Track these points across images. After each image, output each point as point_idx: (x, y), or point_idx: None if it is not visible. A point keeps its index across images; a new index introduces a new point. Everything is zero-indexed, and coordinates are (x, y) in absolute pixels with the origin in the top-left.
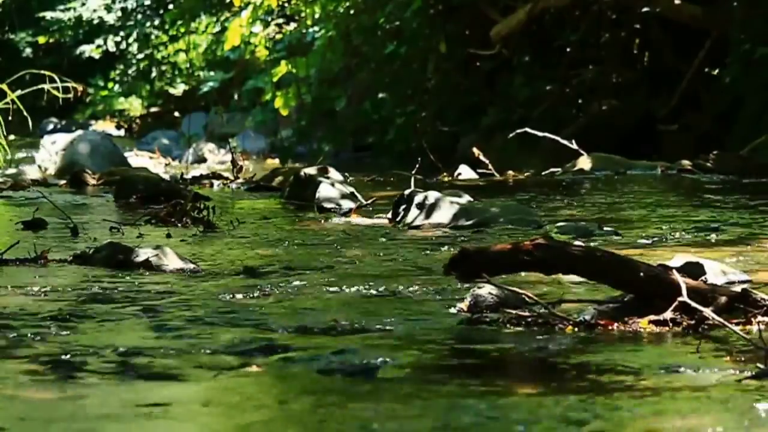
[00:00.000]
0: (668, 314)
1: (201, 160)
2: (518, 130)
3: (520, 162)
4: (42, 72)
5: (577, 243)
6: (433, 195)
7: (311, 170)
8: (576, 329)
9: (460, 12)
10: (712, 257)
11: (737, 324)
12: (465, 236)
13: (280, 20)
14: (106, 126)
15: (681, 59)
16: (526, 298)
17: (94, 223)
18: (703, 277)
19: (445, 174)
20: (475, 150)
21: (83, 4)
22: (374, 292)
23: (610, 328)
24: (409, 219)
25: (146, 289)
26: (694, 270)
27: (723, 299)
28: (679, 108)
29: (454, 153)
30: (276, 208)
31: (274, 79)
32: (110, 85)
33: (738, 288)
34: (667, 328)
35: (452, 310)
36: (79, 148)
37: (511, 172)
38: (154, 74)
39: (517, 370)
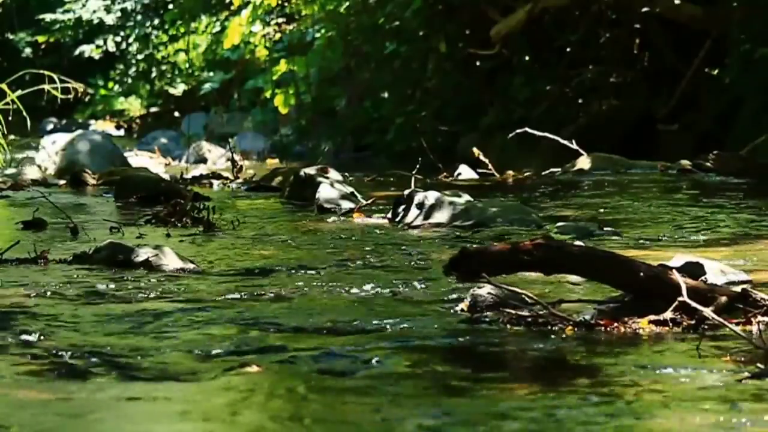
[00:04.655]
0: (668, 314)
1: (201, 160)
2: (518, 130)
3: (520, 162)
4: (42, 72)
5: (577, 243)
6: (433, 195)
7: (311, 170)
8: (576, 329)
9: (460, 12)
10: (712, 257)
11: (737, 324)
12: (465, 236)
13: (280, 20)
14: (106, 126)
15: (681, 59)
16: (526, 298)
17: (94, 223)
18: (703, 277)
19: (445, 174)
20: (475, 150)
21: (83, 6)
22: (374, 292)
23: (610, 328)
24: (409, 219)
25: (146, 289)
26: (694, 270)
27: (723, 299)
28: (679, 108)
29: (454, 153)
30: (276, 208)
31: (274, 78)
32: (110, 85)
33: (738, 288)
34: (667, 328)
35: (452, 310)
36: (79, 148)
37: (511, 172)
38: (154, 74)
39: (516, 370)
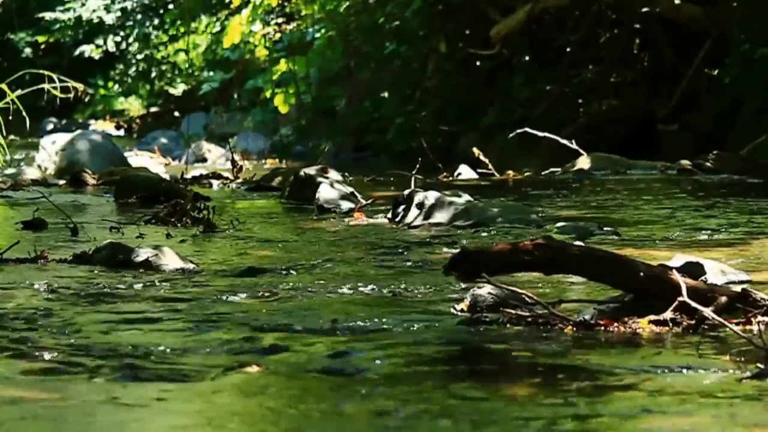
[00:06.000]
0: (668, 314)
1: (201, 160)
2: (518, 130)
3: (520, 162)
4: (42, 72)
5: (577, 243)
6: (432, 195)
7: (311, 170)
8: (576, 329)
9: (460, 12)
10: (712, 257)
11: (737, 324)
12: (465, 236)
13: (280, 19)
14: (106, 126)
15: (681, 59)
16: (526, 298)
17: (94, 223)
18: (703, 277)
19: (445, 174)
20: (475, 150)
21: (83, 5)
22: (374, 292)
23: (610, 328)
24: (408, 219)
25: (146, 289)
26: (694, 270)
27: (723, 299)
28: (679, 108)
29: (454, 153)
30: (276, 208)
31: (274, 78)
32: (110, 85)
33: (738, 288)
34: (667, 328)
35: (452, 310)
36: (78, 148)
37: (511, 172)
38: (154, 74)
39: (516, 370)
